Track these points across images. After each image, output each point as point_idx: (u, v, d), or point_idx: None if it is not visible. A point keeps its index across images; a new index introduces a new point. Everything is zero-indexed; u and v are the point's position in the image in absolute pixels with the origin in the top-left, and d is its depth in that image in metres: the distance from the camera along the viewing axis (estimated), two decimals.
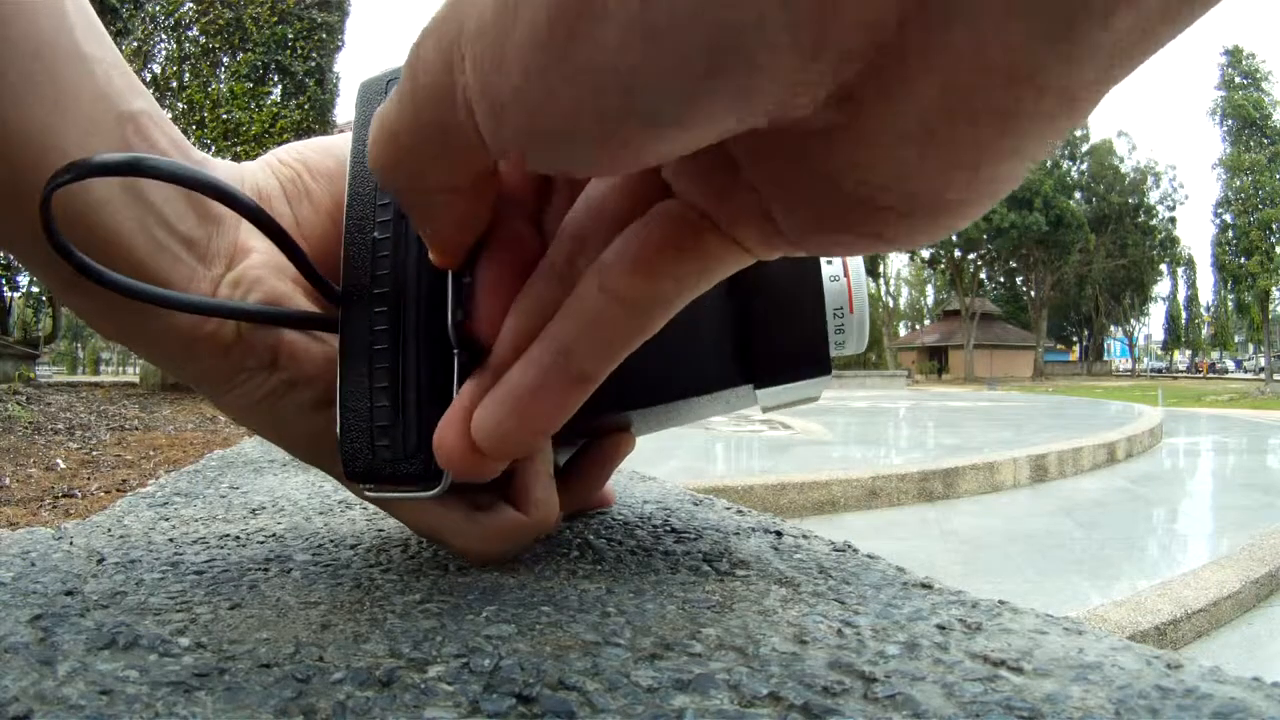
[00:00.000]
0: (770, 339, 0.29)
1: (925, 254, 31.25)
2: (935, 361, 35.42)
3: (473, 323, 0.20)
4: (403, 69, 0.15)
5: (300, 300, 0.28)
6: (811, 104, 0.12)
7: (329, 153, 0.31)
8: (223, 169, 0.28)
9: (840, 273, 0.31)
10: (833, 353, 0.30)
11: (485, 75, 0.13)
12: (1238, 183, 25.62)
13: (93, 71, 0.24)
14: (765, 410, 0.31)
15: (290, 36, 8.30)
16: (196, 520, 0.40)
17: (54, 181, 0.21)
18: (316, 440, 0.29)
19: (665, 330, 0.17)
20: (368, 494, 0.27)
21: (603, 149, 0.13)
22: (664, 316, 0.17)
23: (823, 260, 0.31)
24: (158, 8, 8.33)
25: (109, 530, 0.38)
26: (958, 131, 0.11)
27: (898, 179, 0.13)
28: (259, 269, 0.27)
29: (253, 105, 8.21)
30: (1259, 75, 26.23)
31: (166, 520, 0.40)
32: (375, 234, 0.25)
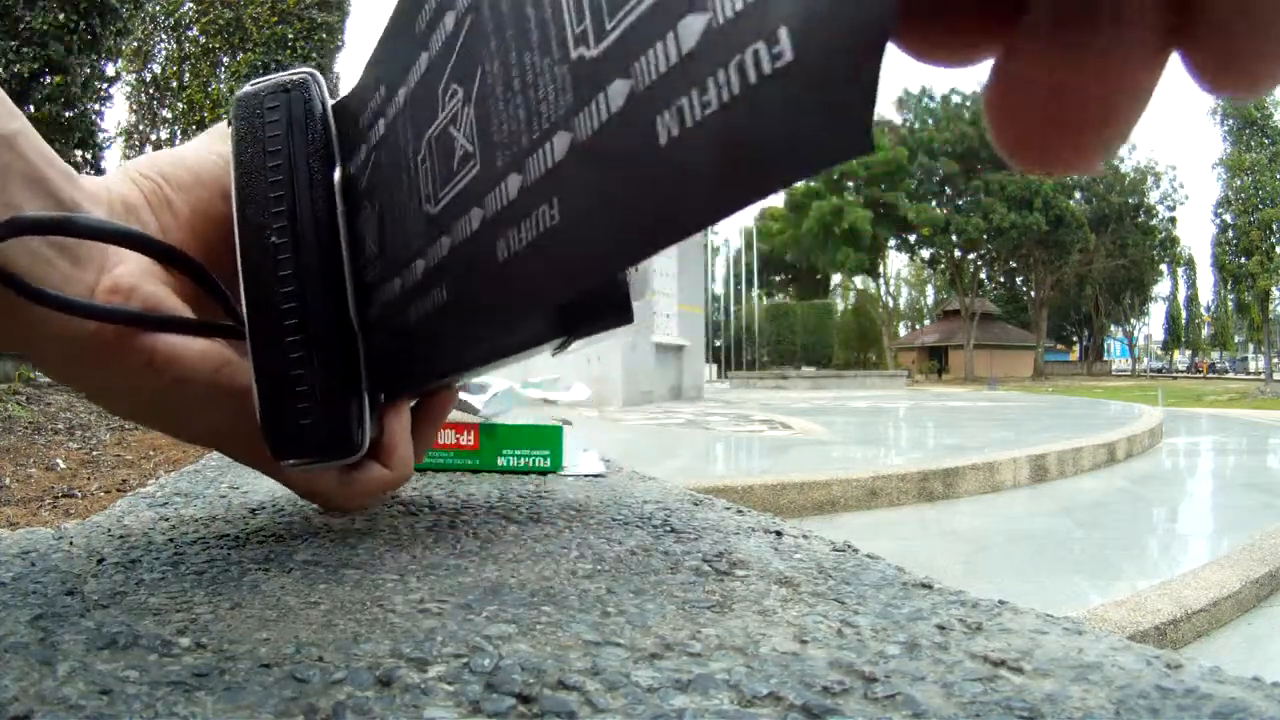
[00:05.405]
0: (583, 299, 0.32)
1: (925, 254, 31.22)
2: (935, 361, 35.39)
3: None
4: None
5: (173, 302, 0.30)
6: None
7: (181, 164, 0.33)
8: (88, 185, 0.30)
9: None
10: None
11: None
12: (1238, 183, 25.60)
13: None
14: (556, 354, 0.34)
15: (290, 36, 8.30)
16: (196, 520, 0.40)
17: None
18: (213, 433, 0.33)
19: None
20: (290, 467, 0.31)
21: None
22: None
23: None
24: (158, 8, 8.32)
25: (109, 530, 0.38)
26: None
27: None
28: (133, 276, 0.29)
29: None
30: None
31: (166, 520, 0.40)
32: (274, 239, 0.29)
